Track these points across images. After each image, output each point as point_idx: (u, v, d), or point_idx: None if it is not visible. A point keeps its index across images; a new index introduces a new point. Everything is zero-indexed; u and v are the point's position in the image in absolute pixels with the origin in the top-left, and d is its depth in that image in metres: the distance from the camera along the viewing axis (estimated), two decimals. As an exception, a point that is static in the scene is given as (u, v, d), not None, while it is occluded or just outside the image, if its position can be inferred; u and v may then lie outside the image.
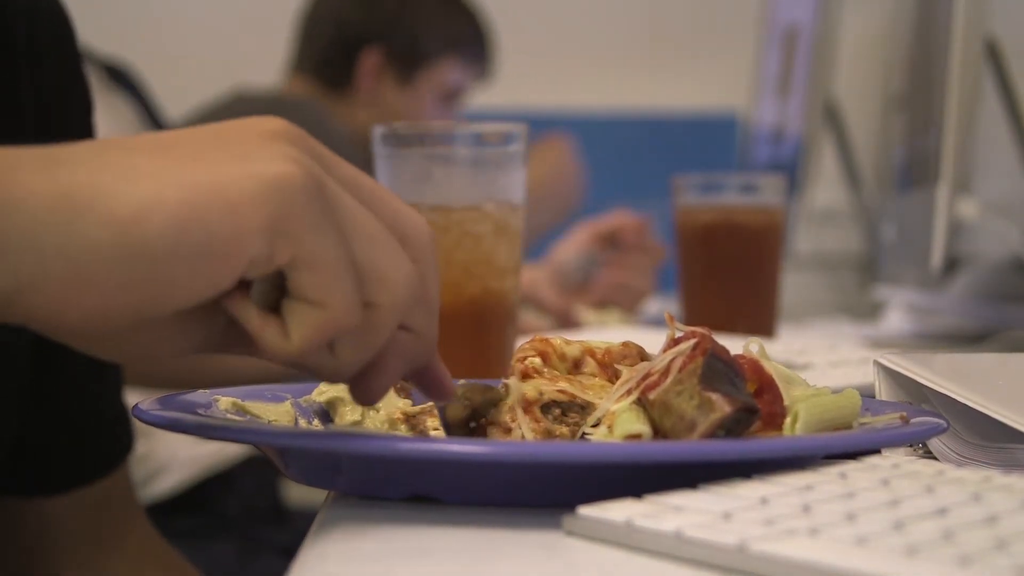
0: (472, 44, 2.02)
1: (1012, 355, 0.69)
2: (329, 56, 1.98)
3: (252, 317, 0.47)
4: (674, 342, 0.55)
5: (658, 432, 0.54)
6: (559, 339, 0.62)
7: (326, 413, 0.65)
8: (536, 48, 2.83)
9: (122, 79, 1.72)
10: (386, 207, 0.50)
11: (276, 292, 0.48)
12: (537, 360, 0.60)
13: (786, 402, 0.55)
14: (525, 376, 0.59)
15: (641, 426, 0.53)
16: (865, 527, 0.41)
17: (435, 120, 1.96)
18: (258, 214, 0.45)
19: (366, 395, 0.51)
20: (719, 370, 0.53)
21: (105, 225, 0.43)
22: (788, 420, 0.55)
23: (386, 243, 0.48)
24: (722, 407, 0.52)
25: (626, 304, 1.55)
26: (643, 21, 2.82)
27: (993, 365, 0.68)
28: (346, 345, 0.48)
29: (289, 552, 1.25)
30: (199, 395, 0.62)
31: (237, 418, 0.61)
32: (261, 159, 0.46)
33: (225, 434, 0.57)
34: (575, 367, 0.61)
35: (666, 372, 0.54)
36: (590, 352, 0.61)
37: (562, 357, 0.61)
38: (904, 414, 0.58)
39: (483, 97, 2.38)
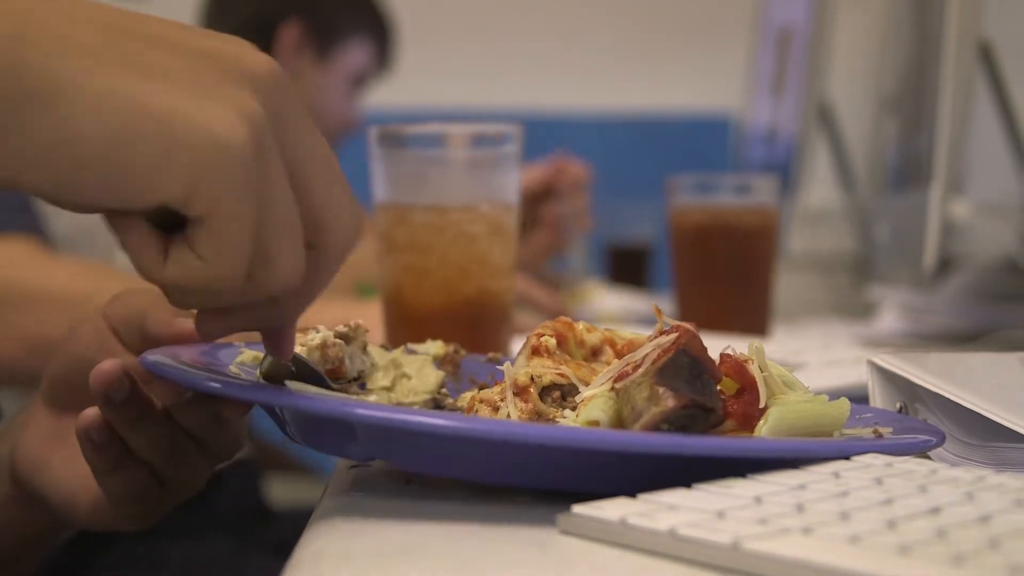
0: (381, 28, 2.05)
1: (1005, 355, 0.69)
2: (245, 33, 1.98)
3: (131, 237, 0.47)
4: (660, 334, 0.56)
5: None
6: (583, 324, 0.62)
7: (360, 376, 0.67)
8: (531, 49, 2.83)
9: None
10: (320, 189, 0.49)
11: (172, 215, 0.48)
12: (552, 341, 0.60)
13: (764, 405, 0.55)
14: (535, 352, 0.59)
15: (600, 413, 0.54)
16: (858, 526, 0.42)
17: (343, 103, 1.99)
18: (186, 164, 0.45)
19: (206, 332, 0.52)
20: (683, 366, 0.53)
21: (44, 114, 0.44)
22: (760, 422, 0.54)
23: (290, 233, 0.48)
24: (666, 401, 0.51)
25: (567, 238, 1.56)
26: (638, 22, 2.82)
27: (986, 365, 0.68)
28: (212, 296, 0.49)
29: (278, 550, 1.24)
30: (221, 348, 0.63)
31: (217, 372, 0.59)
32: (220, 103, 0.45)
33: (176, 375, 0.56)
34: (593, 355, 0.61)
35: (641, 363, 0.54)
36: (610, 342, 0.61)
37: (580, 343, 0.61)
38: (876, 428, 0.58)
39: (479, 97, 2.38)
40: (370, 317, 1.03)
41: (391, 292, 0.88)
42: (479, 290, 0.85)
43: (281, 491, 1.95)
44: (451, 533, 0.48)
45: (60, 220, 1.29)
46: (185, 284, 0.48)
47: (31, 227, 1.22)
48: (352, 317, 1.11)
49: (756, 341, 0.57)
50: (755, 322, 1.20)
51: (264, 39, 1.95)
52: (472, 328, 0.85)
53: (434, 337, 0.71)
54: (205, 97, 0.46)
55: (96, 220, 1.33)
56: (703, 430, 0.53)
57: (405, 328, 0.87)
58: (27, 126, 0.44)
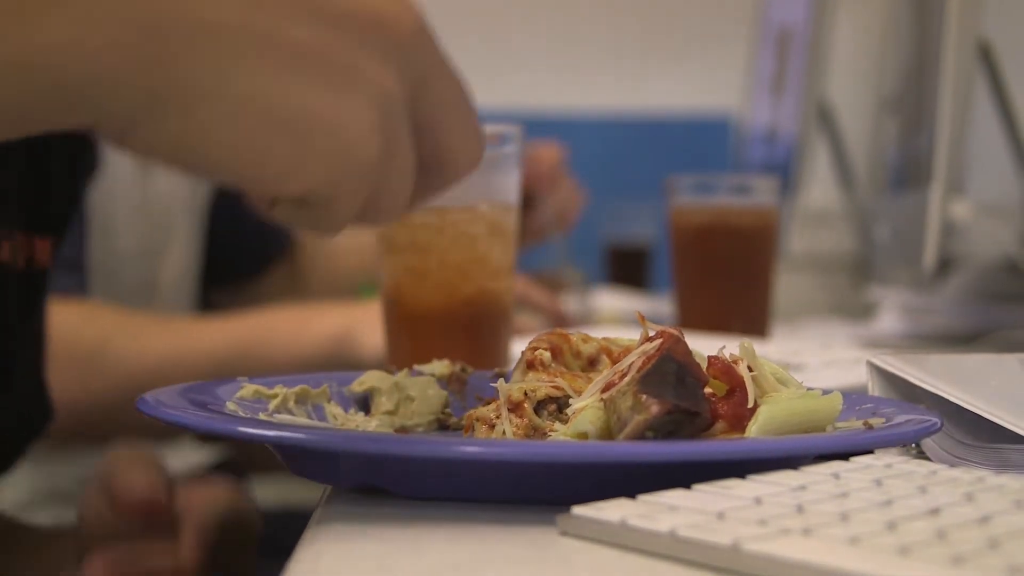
0: None
1: (1004, 356, 0.69)
2: None
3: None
4: (645, 341, 0.55)
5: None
6: (577, 335, 0.62)
7: (365, 402, 0.67)
8: (531, 49, 2.83)
9: None
10: (447, 131, 0.50)
11: None
12: (547, 354, 0.60)
13: (753, 404, 0.54)
14: (530, 366, 0.59)
15: (588, 425, 0.54)
16: (858, 527, 0.42)
17: None
18: (313, 171, 0.45)
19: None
20: (667, 371, 0.52)
21: (178, 117, 0.43)
22: (751, 422, 0.54)
23: (401, 184, 0.49)
24: (648, 408, 0.51)
25: (566, 224, 1.55)
26: (637, 22, 2.82)
27: (985, 365, 0.68)
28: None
29: (263, 546, 1.25)
30: (223, 384, 0.63)
31: (199, 411, 0.59)
32: (355, 95, 0.45)
33: (158, 412, 0.55)
34: (590, 364, 0.61)
35: (627, 371, 0.54)
36: (606, 351, 0.61)
37: (577, 354, 0.61)
38: (867, 421, 0.57)
39: (479, 97, 2.37)
40: (370, 318, 1.03)
41: (391, 293, 0.88)
42: (479, 291, 0.85)
43: (264, 490, 1.95)
44: (451, 533, 0.48)
45: (94, 250, 1.28)
46: (289, 224, 0.49)
47: (78, 289, 1.21)
48: (352, 318, 1.11)
49: (746, 341, 0.56)
50: (755, 322, 1.20)
51: None
52: (472, 329, 0.85)
53: (434, 338, 0.71)
54: (341, 88, 0.45)
55: (133, 247, 1.31)
56: (691, 435, 0.52)
57: (405, 329, 0.87)
58: (159, 125, 0.43)
